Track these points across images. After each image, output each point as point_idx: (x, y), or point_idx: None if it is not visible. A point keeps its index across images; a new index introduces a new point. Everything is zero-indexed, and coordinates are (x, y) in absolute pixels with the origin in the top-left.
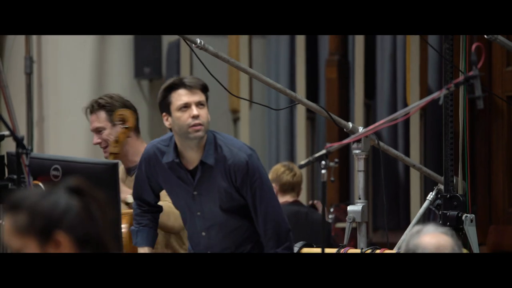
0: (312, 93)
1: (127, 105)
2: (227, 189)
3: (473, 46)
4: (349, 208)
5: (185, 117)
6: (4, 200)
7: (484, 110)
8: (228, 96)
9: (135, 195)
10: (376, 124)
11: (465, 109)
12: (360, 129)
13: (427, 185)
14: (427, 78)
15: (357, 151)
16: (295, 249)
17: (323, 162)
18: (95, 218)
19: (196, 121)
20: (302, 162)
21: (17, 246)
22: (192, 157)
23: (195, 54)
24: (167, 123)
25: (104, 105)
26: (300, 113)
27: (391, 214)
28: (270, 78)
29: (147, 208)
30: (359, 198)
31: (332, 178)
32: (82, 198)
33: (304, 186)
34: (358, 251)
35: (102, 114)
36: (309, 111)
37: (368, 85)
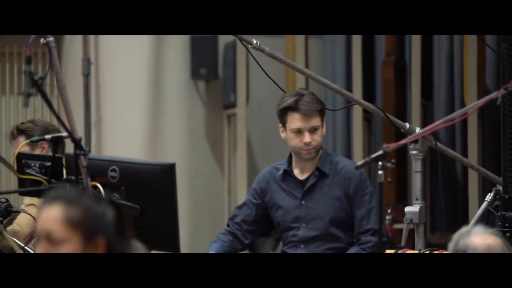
0: (369, 93)
1: (49, 129)
2: (339, 197)
3: None
4: (407, 209)
5: (297, 141)
6: (62, 190)
7: None
8: None
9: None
10: (433, 124)
11: None
12: (417, 129)
13: (486, 186)
14: (485, 78)
15: (414, 152)
16: None
17: (380, 163)
18: (123, 229)
19: (307, 147)
20: (359, 163)
21: (59, 235)
22: (306, 167)
23: (251, 55)
24: (282, 135)
25: (24, 130)
26: (357, 113)
27: (449, 215)
28: (326, 78)
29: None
30: (417, 199)
31: (389, 179)
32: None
33: None
34: (415, 252)
35: (22, 140)
36: (365, 111)
37: (425, 85)
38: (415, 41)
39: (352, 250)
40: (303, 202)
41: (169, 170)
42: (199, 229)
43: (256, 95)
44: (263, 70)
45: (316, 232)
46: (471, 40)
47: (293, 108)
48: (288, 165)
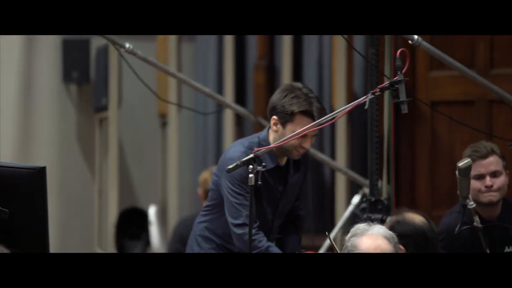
0: (240, 97)
1: None
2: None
3: (398, 52)
4: None
5: (296, 143)
6: None
7: (408, 115)
8: (156, 100)
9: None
10: (303, 128)
11: (390, 114)
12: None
13: (353, 188)
14: (353, 83)
15: None
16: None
17: (251, 166)
18: None
19: (302, 151)
20: (230, 166)
21: None
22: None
23: (124, 59)
24: (274, 127)
25: None
26: (228, 117)
27: (316, 218)
28: (198, 82)
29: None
30: None
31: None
32: None
33: None
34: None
35: None
36: (237, 115)
37: None
38: (286, 45)
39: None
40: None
41: (39, 174)
42: (69, 233)
43: (128, 98)
44: (136, 73)
45: None
46: (339, 45)
47: (306, 112)
48: (277, 162)
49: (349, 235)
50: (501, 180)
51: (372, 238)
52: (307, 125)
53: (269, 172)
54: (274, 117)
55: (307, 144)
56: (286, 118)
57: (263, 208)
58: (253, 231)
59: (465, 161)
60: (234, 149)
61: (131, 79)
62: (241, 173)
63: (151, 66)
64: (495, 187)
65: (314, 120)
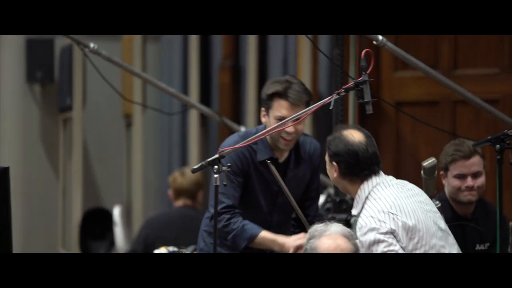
0: (205, 97)
1: None
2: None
3: (363, 52)
4: None
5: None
6: None
7: (373, 115)
8: (121, 101)
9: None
10: (268, 128)
11: (355, 114)
12: None
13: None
14: (318, 84)
15: None
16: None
17: (216, 166)
18: None
19: (288, 137)
20: (195, 167)
21: None
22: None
23: (88, 59)
24: (263, 119)
25: None
26: (193, 117)
27: None
28: (163, 82)
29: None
30: None
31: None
32: None
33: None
34: None
35: None
36: (202, 115)
37: (261, 90)
38: (251, 45)
39: None
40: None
41: (2, 174)
42: (32, 232)
43: (93, 98)
44: (100, 73)
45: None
46: (304, 46)
47: (281, 94)
48: (273, 153)
49: (307, 236)
50: (481, 180)
51: (332, 238)
52: (284, 109)
53: (263, 164)
54: (262, 108)
55: (289, 129)
56: (267, 105)
57: (258, 200)
58: (228, 215)
59: (430, 161)
60: (229, 138)
61: (95, 79)
62: (230, 161)
63: (116, 66)
64: (475, 187)
65: (290, 102)
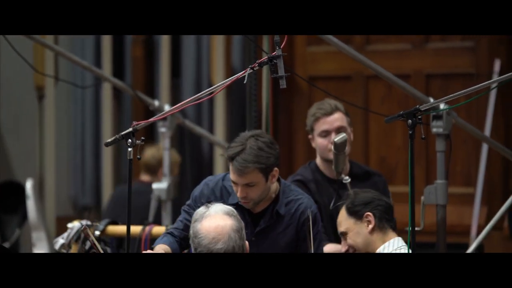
0: (118, 71)
1: None
2: (292, 236)
3: None
4: (154, 185)
5: (235, 190)
6: None
7: (286, 90)
8: (33, 73)
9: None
10: (182, 103)
11: (269, 88)
12: (166, 107)
13: None
14: (232, 58)
15: (163, 129)
16: (101, 227)
17: (130, 140)
18: None
19: (242, 200)
20: (109, 140)
21: None
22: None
23: None
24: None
25: None
26: (106, 91)
27: None
28: (76, 55)
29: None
30: (165, 175)
31: (138, 156)
32: None
33: (109, 164)
34: (161, 228)
35: None
36: (115, 89)
37: (174, 64)
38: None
39: None
40: (253, 238)
41: None
42: None
43: (4, 71)
44: (12, 45)
45: None
46: None
47: (230, 159)
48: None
49: (192, 221)
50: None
51: (212, 218)
52: (233, 175)
53: (236, 209)
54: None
55: (239, 193)
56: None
57: None
58: (166, 237)
59: (341, 136)
60: (198, 186)
61: (7, 51)
62: (199, 193)
63: (28, 38)
64: None
65: (235, 169)
